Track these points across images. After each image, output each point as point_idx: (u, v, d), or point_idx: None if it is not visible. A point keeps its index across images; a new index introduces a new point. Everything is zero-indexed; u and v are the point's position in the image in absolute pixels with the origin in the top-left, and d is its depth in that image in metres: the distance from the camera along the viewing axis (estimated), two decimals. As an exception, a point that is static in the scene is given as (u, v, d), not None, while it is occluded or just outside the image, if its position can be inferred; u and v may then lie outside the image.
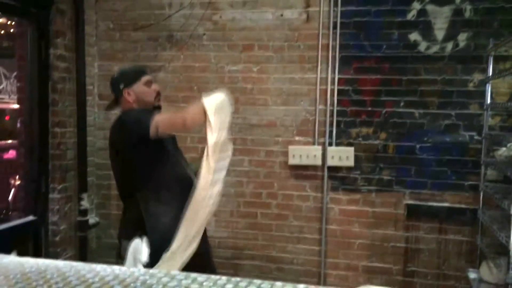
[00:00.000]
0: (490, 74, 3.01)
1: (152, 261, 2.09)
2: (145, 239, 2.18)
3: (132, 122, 2.22)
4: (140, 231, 2.19)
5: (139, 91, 2.33)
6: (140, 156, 2.21)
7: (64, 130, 3.45)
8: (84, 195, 3.53)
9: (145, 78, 2.36)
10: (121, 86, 2.33)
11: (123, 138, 2.24)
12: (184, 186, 2.17)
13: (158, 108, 2.37)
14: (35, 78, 3.32)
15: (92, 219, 3.69)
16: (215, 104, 2.04)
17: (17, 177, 3.60)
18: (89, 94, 3.70)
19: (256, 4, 3.54)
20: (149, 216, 2.21)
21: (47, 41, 3.34)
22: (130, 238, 2.21)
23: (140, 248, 2.16)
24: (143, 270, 1.26)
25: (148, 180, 2.24)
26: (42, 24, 3.31)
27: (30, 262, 1.33)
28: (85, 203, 3.53)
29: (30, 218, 3.36)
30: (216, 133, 2.00)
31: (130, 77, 2.35)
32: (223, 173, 2.11)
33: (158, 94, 2.39)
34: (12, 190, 3.56)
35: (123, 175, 2.35)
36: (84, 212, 3.54)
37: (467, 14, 3.23)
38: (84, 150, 3.56)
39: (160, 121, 2.13)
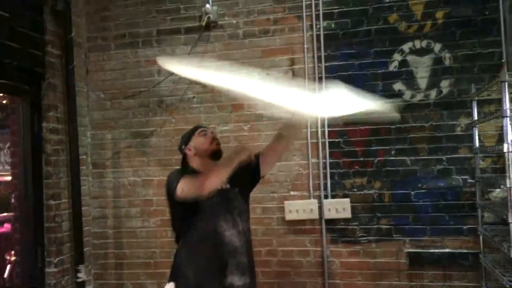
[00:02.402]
0: (476, 118, 3.07)
1: None
2: (170, 284, 2.30)
3: (166, 183, 2.33)
4: (171, 277, 2.34)
5: (195, 143, 2.44)
6: (175, 211, 2.35)
7: (58, 202, 3.43)
8: (81, 267, 3.46)
9: (199, 130, 2.48)
10: (183, 146, 2.47)
11: (166, 194, 2.35)
12: (215, 248, 2.22)
13: (217, 152, 2.42)
14: (28, 152, 3.33)
15: (90, 290, 3.61)
16: None
17: (12, 252, 3.53)
18: (83, 163, 3.71)
19: (242, 65, 3.63)
20: (177, 266, 2.33)
21: (40, 115, 3.39)
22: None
23: None
24: None
25: (182, 233, 2.34)
26: (34, 99, 3.36)
27: None
28: (82, 275, 3.45)
29: (28, 294, 3.29)
30: None
31: (187, 135, 2.50)
32: None
33: (214, 139, 2.46)
34: (8, 266, 3.48)
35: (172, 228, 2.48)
36: (81, 285, 3.45)
37: (447, 62, 3.33)
38: (79, 221, 3.52)
39: (183, 185, 2.19)
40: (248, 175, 2.44)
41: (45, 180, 3.39)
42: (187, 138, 2.47)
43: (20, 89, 3.28)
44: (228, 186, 2.38)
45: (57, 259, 3.38)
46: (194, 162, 2.43)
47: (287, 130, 2.44)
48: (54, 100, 3.46)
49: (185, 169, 2.40)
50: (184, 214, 2.30)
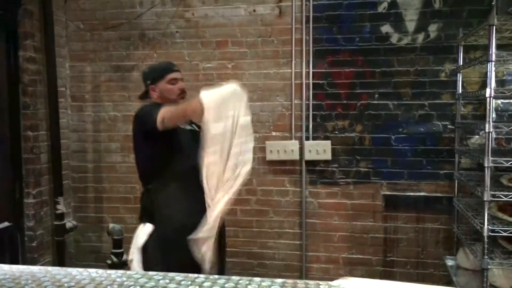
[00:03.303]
0: (461, 63, 3.06)
1: (161, 250, 2.24)
2: (146, 226, 2.30)
3: (141, 116, 2.29)
4: (146, 219, 2.33)
5: (163, 89, 2.41)
6: (149, 149, 2.29)
7: (36, 134, 3.38)
8: (60, 199, 3.46)
9: (170, 76, 2.43)
10: (148, 82, 2.44)
11: (134, 130, 2.35)
12: (196, 179, 2.19)
13: None
14: (4, 82, 3.24)
15: (69, 223, 3.62)
16: (212, 98, 2.07)
17: (-10, 183, 3.51)
18: (62, 96, 3.63)
19: (228, 0, 3.53)
20: (157, 207, 2.30)
21: (16, 43, 3.27)
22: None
23: (139, 233, 2.32)
24: (120, 272, 1.24)
25: (157, 173, 2.31)
26: (9, 26, 3.23)
27: (4, 268, 1.30)
28: (61, 207, 3.46)
29: (5, 224, 3.28)
30: (212, 125, 2.05)
31: (156, 74, 2.44)
32: (248, 155, 2.18)
33: (182, 92, 2.44)
34: (-15, 197, 3.46)
35: (137, 165, 2.43)
36: (60, 216, 3.47)
37: (437, 5, 3.28)
38: (58, 153, 3.49)
39: (165, 113, 2.15)
40: None
41: (22, 111, 3.32)
42: (156, 77, 2.43)
43: (-6, 14, 3.14)
44: (195, 128, 2.44)
45: (35, 191, 3.36)
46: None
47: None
48: (31, 28, 3.32)
49: (158, 105, 2.32)
50: (159, 150, 2.27)
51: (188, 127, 2.44)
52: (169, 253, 2.24)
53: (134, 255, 2.33)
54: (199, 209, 2.21)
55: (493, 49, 2.33)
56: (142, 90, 2.54)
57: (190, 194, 2.24)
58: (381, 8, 3.34)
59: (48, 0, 3.36)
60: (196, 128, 2.44)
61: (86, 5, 3.69)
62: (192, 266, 2.10)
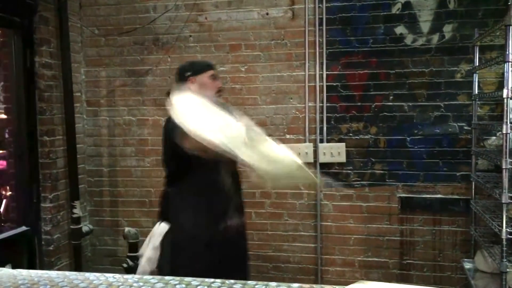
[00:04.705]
0: (477, 64, 3.03)
1: (172, 255, 2.28)
2: (162, 225, 2.36)
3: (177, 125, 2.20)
4: (162, 219, 2.39)
5: (202, 82, 2.40)
6: (174, 158, 2.29)
7: (53, 139, 3.42)
8: (76, 203, 3.50)
9: (211, 72, 2.44)
10: (188, 74, 2.41)
11: (165, 136, 2.33)
12: (216, 193, 2.23)
13: None
14: (21, 87, 3.28)
15: (85, 226, 3.66)
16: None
17: (7, 187, 3.55)
18: (77, 101, 3.67)
19: (241, 4, 3.53)
20: (173, 212, 2.35)
21: (32, 49, 3.31)
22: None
23: (155, 232, 2.39)
24: (136, 276, 1.25)
25: (179, 178, 2.33)
26: (26, 32, 3.27)
27: (23, 273, 1.31)
28: (77, 211, 3.50)
29: (23, 228, 3.33)
30: None
31: (198, 67, 2.45)
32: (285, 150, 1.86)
33: (220, 90, 2.46)
34: (4, 201, 3.51)
35: (163, 164, 2.47)
36: (77, 220, 3.51)
37: (452, 5, 3.24)
38: (74, 158, 3.53)
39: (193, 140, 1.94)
40: None
41: (39, 116, 3.36)
42: (198, 70, 2.42)
43: (11, 21, 3.18)
44: None
45: (52, 195, 3.40)
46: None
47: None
48: (47, 34, 3.36)
49: None
50: (181, 162, 2.24)
51: None
52: (179, 259, 2.25)
53: (146, 252, 2.36)
54: (214, 222, 2.24)
55: (510, 50, 2.29)
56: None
57: (208, 206, 2.26)
58: (395, 9, 3.31)
59: (63, 6, 3.40)
60: None
61: (101, 11, 3.72)
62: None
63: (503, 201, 2.28)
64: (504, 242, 2.28)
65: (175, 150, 2.15)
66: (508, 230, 2.28)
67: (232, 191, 2.35)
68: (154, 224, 2.54)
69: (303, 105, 3.50)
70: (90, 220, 3.84)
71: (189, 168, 2.27)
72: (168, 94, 2.48)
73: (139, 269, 2.43)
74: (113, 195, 3.82)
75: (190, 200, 2.32)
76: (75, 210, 3.49)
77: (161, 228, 2.37)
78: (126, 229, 3.34)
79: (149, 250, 2.39)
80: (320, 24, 3.43)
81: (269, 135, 3.44)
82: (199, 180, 2.29)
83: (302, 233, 3.55)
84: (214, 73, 2.45)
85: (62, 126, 3.51)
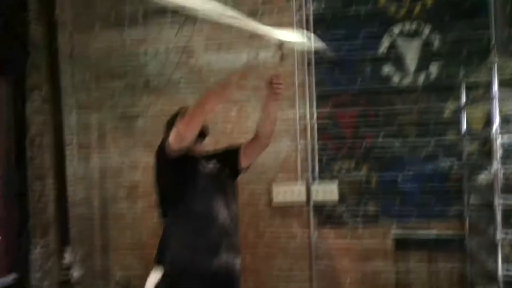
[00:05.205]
0: (464, 101, 3.07)
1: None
2: (157, 269, 2.31)
3: (160, 147, 2.23)
4: (157, 258, 2.36)
5: None
6: (167, 184, 2.26)
7: (43, 184, 3.40)
8: (67, 249, 3.44)
9: None
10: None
11: (155, 163, 2.31)
12: (209, 227, 2.18)
13: (206, 130, 2.38)
14: (12, 133, 3.28)
15: (76, 272, 3.58)
16: None
17: (-3, 234, 3.50)
18: (69, 144, 3.66)
19: (231, 46, 3.59)
20: (165, 245, 2.27)
21: (23, 95, 3.33)
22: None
23: (151, 276, 2.37)
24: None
25: (170, 207, 2.27)
26: (17, 78, 3.30)
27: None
28: (68, 257, 3.44)
29: (12, 276, 3.26)
30: None
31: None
32: None
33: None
34: (-7, 248, 3.45)
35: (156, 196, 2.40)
36: (67, 267, 3.44)
37: (436, 45, 3.31)
38: (65, 203, 3.50)
39: (171, 136, 2.09)
40: (233, 161, 2.42)
41: (29, 162, 3.34)
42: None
43: (2, 68, 3.21)
44: (219, 165, 2.37)
45: (42, 241, 3.36)
46: None
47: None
48: (38, 79, 3.40)
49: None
50: (177, 184, 2.21)
51: (208, 168, 2.36)
52: None
53: None
54: (210, 253, 2.18)
55: (495, 88, 2.34)
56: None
57: (202, 237, 2.19)
58: (381, 50, 3.38)
59: (55, 52, 3.44)
60: (217, 166, 2.38)
61: (92, 56, 3.76)
62: None
63: (497, 240, 2.27)
64: (501, 282, 2.26)
65: (166, 167, 2.16)
66: (504, 271, 2.26)
67: (227, 225, 2.26)
68: (147, 268, 2.50)
69: (295, 144, 3.51)
70: (82, 265, 3.75)
71: (181, 194, 2.22)
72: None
73: None
74: (105, 240, 3.76)
75: (181, 230, 2.23)
76: (65, 256, 3.43)
77: (156, 272, 2.33)
78: (119, 274, 3.27)
79: None
80: (309, 64, 3.48)
81: (261, 175, 3.46)
82: (190, 208, 2.23)
83: (297, 273, 3.50)
84: None
85: (53, 170, 3.49)
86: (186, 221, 2.23)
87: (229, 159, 2.42)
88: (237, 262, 2.30)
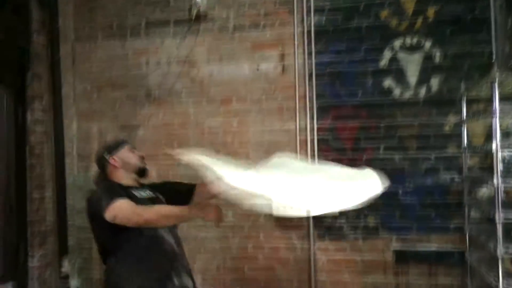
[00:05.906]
0: (464, 116, 3.07)
1: None
2: None
3: (93, 203, 2.21)
4: None
5: (124, 156, 2.38)
6: (101, 228, 2.19)
7: (42, 194, 3.39)
8: (65, 259, 3.42)
9: (128, 146, 2.44)
10: (107, 156, 2.37)
11: (88, 213, 2.27)
12: (158, 255, 2.18)
13: (144, 170, 2.41)
14: (12, 144, 3.28)
15: (74, 283, 3.55)
16: None
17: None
18: (68, 155, 3.66)
19: (232, 58, 3.60)
20: (111, 282, 2.23)
21: (24, 106, 3.33)
22: None
23: None
24: None
25: (112, 248, 2.21)
26: (18, 89, 3.30)
27: None
28: (66, 268, 3.42)
29: (11, 285, 3.24)
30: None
31: (116, 145, 2.43)
32: None
33: (142, 157, 2.44)
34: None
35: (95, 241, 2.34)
36: (65, 277, 3.42)
37: (437, 59, 3.32)
38: (63, 214, 3.49)
39: (118, 211, 2.05)
40: (180, 194, 2.41)
41: (29, 172, 3.33)
42: (113, 148, 2.40)
43: (3, 79, 3.21)
44: (152, 193, 2.37)
45: (40, 252, 3.34)
46: (119, 176, 2.35)
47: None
48: (39, 90, 3.40)
49: (112, 186, 2.27)
50: (116, 230, 2.12)
51: (145, 195, 2.33)
52: None
53: None
54: (163, 281, 2.16)
55: (497, 104, 2.34)
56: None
57: (153, 266, 2.17)
58: (382, 64, 3.39)
59: (57, 63, 3.45)
60: (152, 194, 2.37)
61: (94, 66, 3.78)
62: None
63: (498, 255, 2.26)
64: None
65: (100, 222, 2.10)
66: (505, 285, 2.25)
67: (175, 249, 2.26)
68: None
69: (295, 156, 3.50)
70: (79, 276, 3.73)
71: (121, 235, 2.14)
72: (96, 182, 2.46)
73: None
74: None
75: (129, 265, 2.17)
76: (63, 267, 3.42)
77: None
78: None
79: None
80: (310, 78, 3.49)
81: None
82: (134, 242, 2.17)
83: (296, 285, 3.48)
84: (131, 147, 2.45)
85: (52, 181, 3.48)
86: (133, 256, 2.19)
87: (173, 191, 2.45)
88: (190, 282, 2.30)
